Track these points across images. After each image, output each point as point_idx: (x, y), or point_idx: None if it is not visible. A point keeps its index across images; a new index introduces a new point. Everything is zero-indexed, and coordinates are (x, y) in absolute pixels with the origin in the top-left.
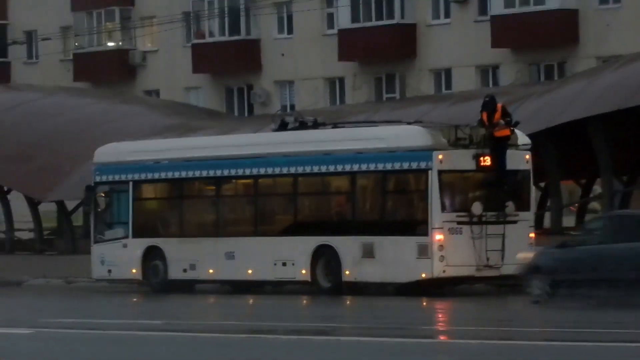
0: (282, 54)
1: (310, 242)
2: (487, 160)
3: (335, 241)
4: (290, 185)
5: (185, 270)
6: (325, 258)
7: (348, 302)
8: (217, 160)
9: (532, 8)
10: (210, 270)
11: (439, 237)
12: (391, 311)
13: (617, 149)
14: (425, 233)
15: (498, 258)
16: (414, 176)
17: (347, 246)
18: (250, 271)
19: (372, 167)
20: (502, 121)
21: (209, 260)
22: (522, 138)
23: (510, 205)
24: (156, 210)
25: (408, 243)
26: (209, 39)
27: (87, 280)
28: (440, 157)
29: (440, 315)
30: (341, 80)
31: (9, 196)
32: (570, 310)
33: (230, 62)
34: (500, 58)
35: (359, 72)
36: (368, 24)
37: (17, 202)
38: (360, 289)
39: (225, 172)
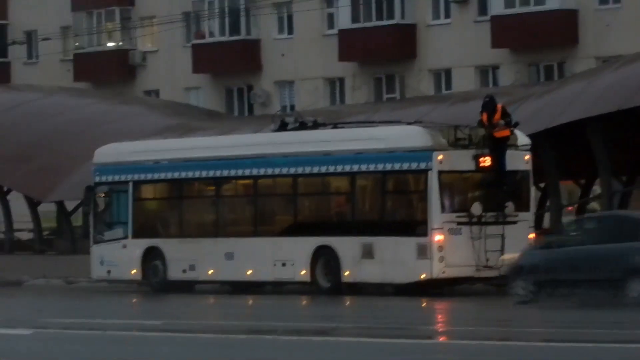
0: (282, 54)
1: (310, 243)
2: (486, 161)
3: (334, 241)
4: (290, 186)
5: (184, 271)
6: (325, 258)
7: (347, 303)
8: (217, 160)
9: (531, 8)
10: (210, 271)
11: (438, 237)
12: (391, 311)
13: (616, 149)
14: (424, 233)
15: (497, 258)
16: (414, 176)
17: (346, 246)
18: (249, 271)
19: (371, 167)
20: (501, 122)
21: (209, 260)
22: (522, 138)
23: (509, 206)
24: (156, 211)
25: (408, 243)
26: (209, 39)
27: (87, 280)
28: (440, 157)
29: (439, 316)
30: (341, 80)
31: (8, 196)
32: (570, 311)
33: (230, 63)
34: (500, 58)
35: (359, 72)
36: (368, 24)
37: (17, 202)
38: (359, 289)
39: (225, 173)
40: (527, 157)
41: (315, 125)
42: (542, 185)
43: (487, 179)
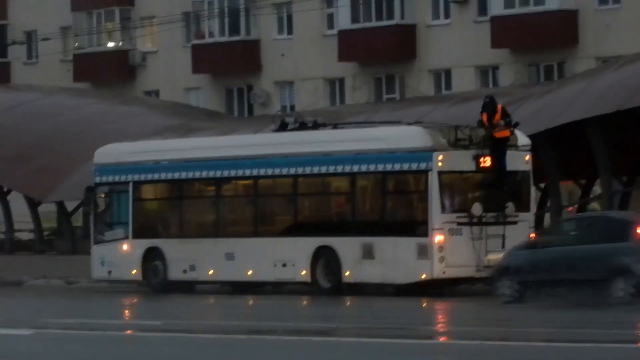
0: (282, 55)
1: (311, 243)
2: (487, 161)
3: (335, 242)
4: (290, 186)
5: (185, 271)
6: (325, 259)
7: (348, 303)
8: (217, 160)
9: (531, 9)
10: (210, 271)
11: (438, 237)
12: (391, 312)
13: (616, 149)
14: (425, 234)
15: (498, 259)
16: (414, 177)
17: (347, 247)
18: (250, 272)
19: (372, 167)
20: (502, 122)
21: (209, 260)
22: (522, 139)
23: (510, 206)
24: (156, 211)
25: (408, 244)
26: (208, 40)
27: (87, 280)
28: (440, 157)
29: (440, 316)
30: (341, 80)
31: (8, 197)
32: (569, 310)
33: (230, 63)
34: (500, 59)
35: (359, 72)
36: (368, 24)
37: (17, 202)
38: (360, 289)
39: (225, 173)
40: (527, 157)
41: (316, 126)
42: (542, 185)
43: (488, 180)
